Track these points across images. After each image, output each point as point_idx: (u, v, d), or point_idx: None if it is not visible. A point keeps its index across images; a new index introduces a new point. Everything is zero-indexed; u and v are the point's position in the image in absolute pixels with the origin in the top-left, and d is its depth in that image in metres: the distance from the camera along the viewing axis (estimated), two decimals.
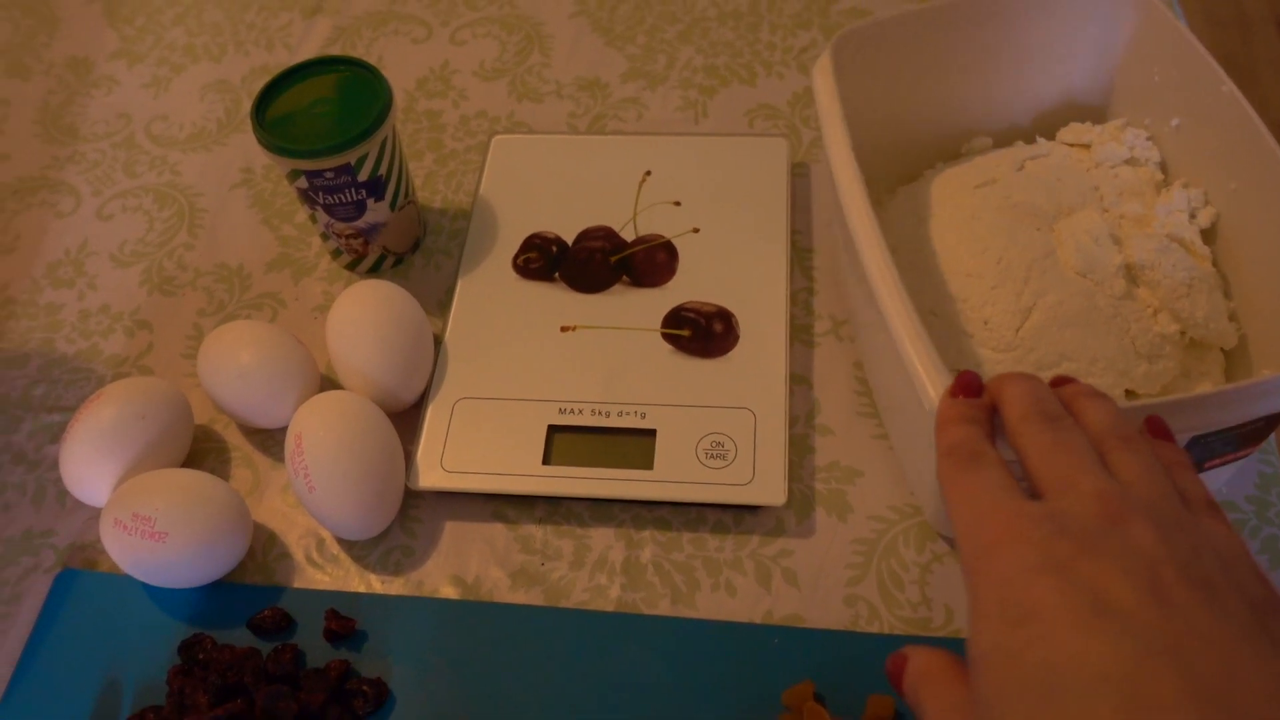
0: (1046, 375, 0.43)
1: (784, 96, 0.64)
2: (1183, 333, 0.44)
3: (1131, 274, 0.45)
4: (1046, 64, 0.51)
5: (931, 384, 0.36)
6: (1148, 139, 0.49)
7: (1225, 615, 0.25)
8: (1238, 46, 1.61)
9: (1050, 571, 0.26)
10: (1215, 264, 0.46)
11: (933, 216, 0.48)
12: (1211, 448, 0.39)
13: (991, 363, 0.43)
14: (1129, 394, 0.43)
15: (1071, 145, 0.50)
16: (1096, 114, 0.52)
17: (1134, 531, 0.27)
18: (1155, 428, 0.34)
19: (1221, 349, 0.46)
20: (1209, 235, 0.47)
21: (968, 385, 0.35)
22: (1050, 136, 0.51)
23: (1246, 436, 0.39)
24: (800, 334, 0.53)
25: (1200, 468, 0.41)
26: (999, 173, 0.48)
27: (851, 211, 0.42)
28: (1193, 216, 0.46)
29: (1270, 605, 0.26)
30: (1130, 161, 0.49)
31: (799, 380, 0.52)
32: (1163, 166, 0.49)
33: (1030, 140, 0.51)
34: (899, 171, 0.53)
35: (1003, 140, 0.52)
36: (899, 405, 0.45)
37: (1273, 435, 0.43)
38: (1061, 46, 0.50)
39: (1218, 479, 0.45)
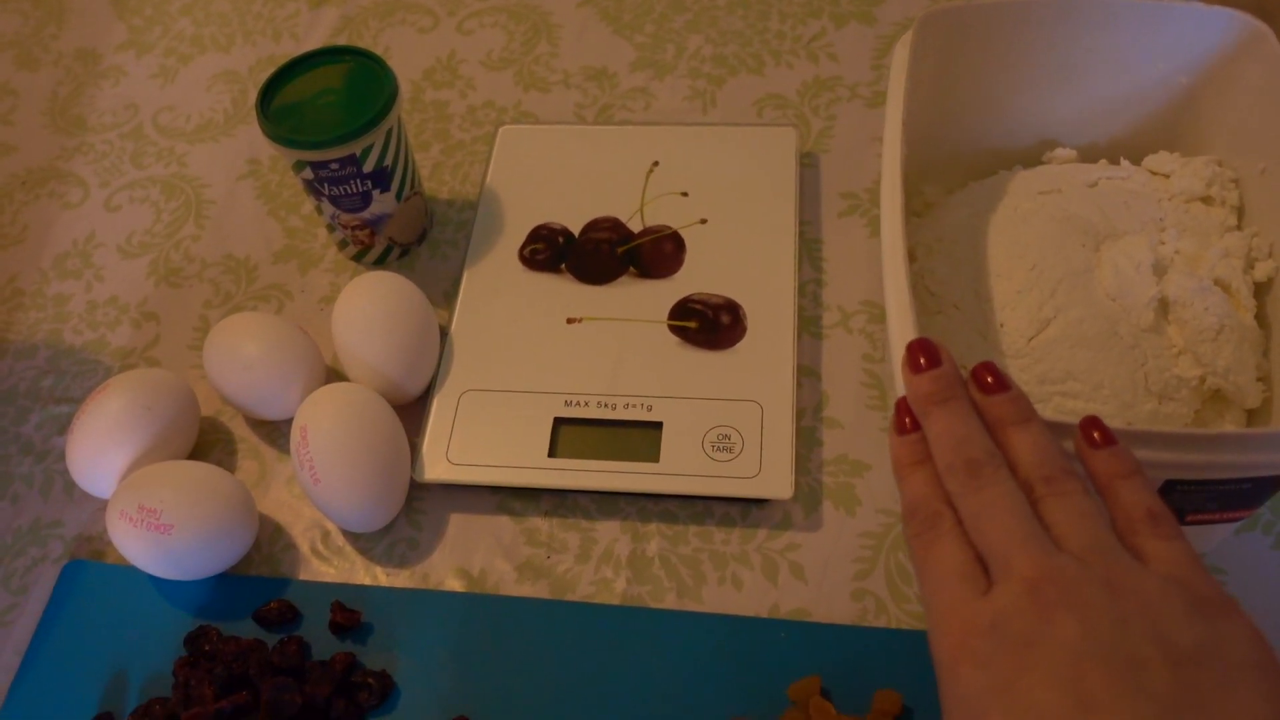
0: (1050, 389, 0.42)
1: (793, 85, 0.63)
2: (1203, 380, 0.42)
3: (1164, 309, 0.43)
4: (1143, 82, 0.48)
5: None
6: (1232, 180, 0.47)
7: (1149, 697, 0.27)
8: None
9: (997, 693, 0.28)
10: (1262, 321, 0.44)
11: (989, 213, 0.46)
12: (1192, 499, 0.38)
13: (998, 367, 0.42)
14: None
15: (1154, 173, 0.48)
16: (1188, 145, 0.49)
17: (1060, 627, 0.28)
18: (1088, 431, 0.34)
19: (1246, 408, 0.44)
20: (1263, 290, 0.44)
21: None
22: (1138, 162, 0.49)
23: (1229, 496, 0.38)
24: (809, 326, 0.53)
25: (1181, 519, 0.39)
26: (1066, 184, 0.47)
27: (885, 192, 0.41)
28: (1251, 267, 0.44)
29: (1198, 653, 0.28)
30: (1205, 199, 0.46)
31: (807, 372, 0.51)
32: (1240, 211, 0.46)
33: (1115, 162, 0.49)
34: (975, 167, 0.51)
35: (1088, 156, 0.50)
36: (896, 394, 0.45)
37: None
38: (1161, 64, 0.47)
39: (1206, 541, 0.44)
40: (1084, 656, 0.28)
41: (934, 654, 0.31)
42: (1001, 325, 0.43)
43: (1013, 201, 0.46)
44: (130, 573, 0.47)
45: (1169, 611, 0.29)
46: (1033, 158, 0.51)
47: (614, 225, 0.56)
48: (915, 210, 0.51)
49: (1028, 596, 0.29)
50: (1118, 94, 0.49)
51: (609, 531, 0.48)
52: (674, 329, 0.52)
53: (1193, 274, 0.43)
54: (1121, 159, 0.49)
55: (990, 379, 0.34)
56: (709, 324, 0.51)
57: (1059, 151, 0.50)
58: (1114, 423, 0.41)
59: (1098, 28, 0.47)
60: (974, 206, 0.47)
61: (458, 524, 0.49)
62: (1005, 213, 0.46)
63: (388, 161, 0.53)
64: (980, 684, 0.29)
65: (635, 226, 0.56)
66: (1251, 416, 0.44)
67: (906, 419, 0.35)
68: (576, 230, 0.56)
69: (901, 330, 0.37)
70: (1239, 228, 0.46)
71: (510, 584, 0.47)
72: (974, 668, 0.29)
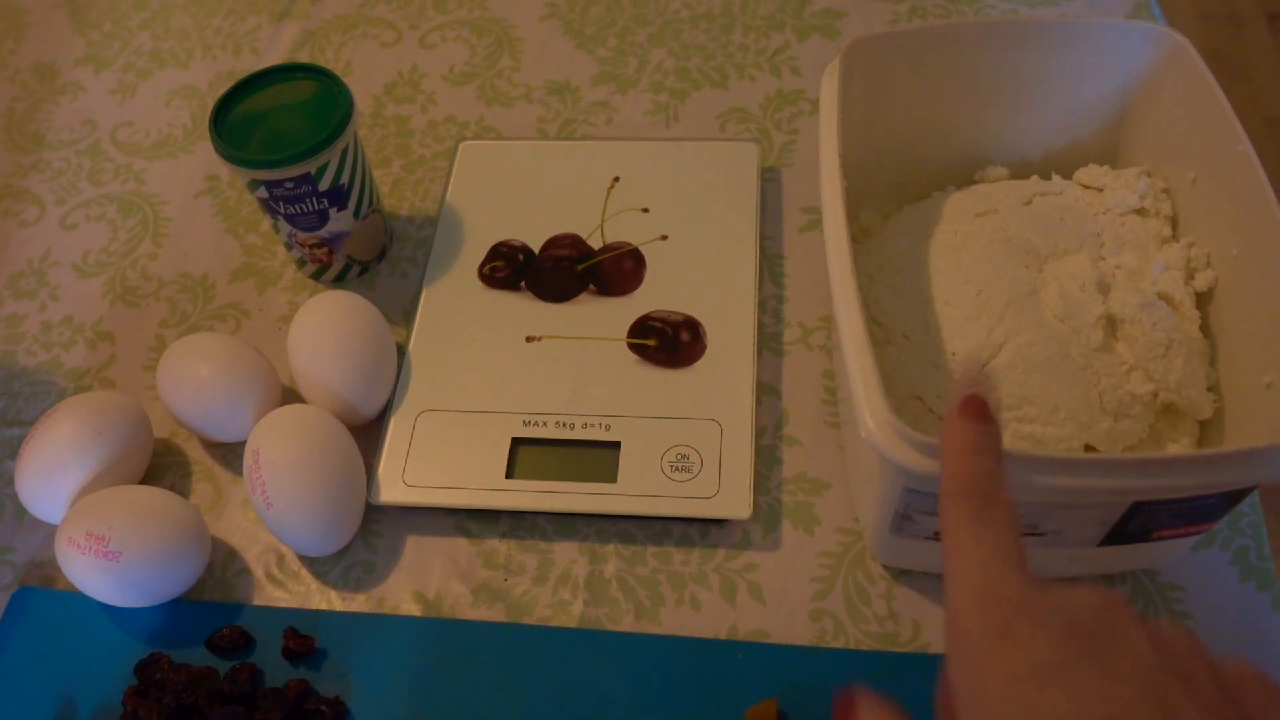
0: (1007, 416, 0.41)
1: (756, 99, 0.63)
2: (1155, 395, 0.42)
3: (1111, 327, 0.43)
4: (1069, 99, 0.48)
5: (871, 414, 0.35)
6: (1163, 190, 0.47)
7: None
8: (1228, 41, 1.60)
9: (1058, 670, 0.26)
10: (1206, 330, 0.44)
11: (928, 238, 0.46)
12: (1156, 518, 0.38)
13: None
14: (1088, 449, 0.42)
15: (1086, 187, 0.48)
16: (1118, 158, 0.50)
17: (1137, 641, 0.27)
18: None
19: (1199, 419, 0.44)
20: (1205, 299, 0.45)
21: (978, 408, 0.32)
22: (1068, 176, 0.49)
23: (1195, 511, 0.38)
24: (769, 342, 0.53)
25: (1146, 537, 0.40)
26: (1002, 204, 0.46)
27: (829, 225, 0.41)
28: (1191, 277, 0.44)
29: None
30: (1140, 211, 0.46)
31: (767, 390, 0.51)
32: (1174, 222, 0.47)
33: (1047, 176, 0.49)
34: (910, 190, 0.51)
35: (1020, 173, 0.50)
36: (851, 422, 0.45)
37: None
38: (1086, 82, 0.48)
39: (1165, 558, 0.44)
40: (1163, 671, 0.26)
41: (964, 628, 0.28)
42: (953, 354, 0.42)
43: (951, 225, 0.46)
44: (81, 599, 0.47)
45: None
46: (965, 176, 0.51)
47: (574, 242, 0.55)
48: (853, 237, 0.51)
49: (1104, 606, 0.27)
50: (1047, 111, 0.49)
51: (567, 553, 0.47)
52: (633, 347, 0.51)
53: (1136, 289, 0.43)
54: (1053, 174, 0.49)
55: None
56: (668, 342, 0.51)
57: (990, 170, 0.50)
58: (1072, 444, 0.42)
59: (1023, 48, 0.47)
60: (912, 232, 0.47)
61: (414, 546, 0.48)
62: (945, 237, 0.46)
63: (344, 179, 0.52)
64: (1038, 653, 0.26)
65: (596, 243, 0.55)
66: (1204, 426, 0.44)
67: (969, 414, 0.32)
68: (537, 247, 0.55)
69: (859, 367, 0.36)
70: (1174, 238, 0.46)
71: (466, 607, 0.46)
72: (1034, 633, 0.27)
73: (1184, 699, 0.26)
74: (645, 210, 0.56)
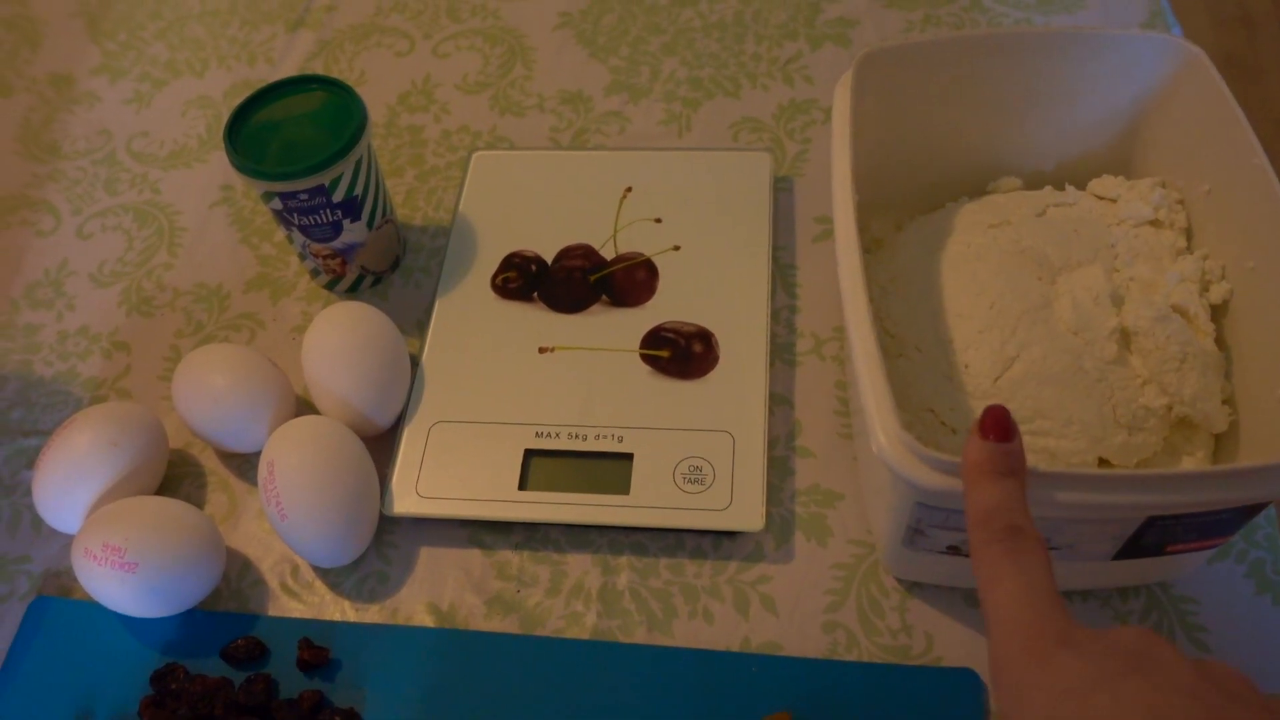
0: (1020, 429, 0.41)
1: (769, 109, 0.63)
2: (1170, 408, 0.42)
3: (1125, 339, 0.42)
4: (1083, 109, 0.48)
5: (883, 429, 0.35)
6: (1178, 202, 0.46)
7: None
8: (1242, 45, 1.59)
9: (1101, 684, 0.27)
10: (1221, 343, 0.44)
11: (940, 250, 0.46)
12: (1170, 532, 0.38)
13: (964, 409, 0.42)
14: (1102, 462, 0.42)
15: (1100, 198, 0.48)
16: (1132, 169, 0.49)
17: (1178, 668, 0.27)
18: None
19: (1214, 433, 0.44)
20: (1220, 312, 0.44)
21: (1000, 425, 0.32)
22: (1082, 186, 0.49)
23: (1209, 526, 0.38)
24: (782, 353, 0.53)
25: (1160, 551, 0.39)
26: (1016, 215, 0.46)
27: (840, 237, 0.41)
28: (1205, 290, 0.44)
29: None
30: (1154, 223, 0.46)
31: (780, 401, 0.51)
32: (1188, 233, 0.46)
33: (1060, 187, 0.49)
34: (922, 200, 0.50)
35: (1033, 183, 0.50)
36: (863, 434, 0.45)
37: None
38: (1100, 92, 0.48)
39: (1180, 571, 0.44)
40: (1205, 682, 0.27)
41: (1006, 659, 0.29)
42: (966, 366, 0.42)
43: (964, 237, 0.46)
44: (97, 609, 0.47)
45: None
46: (978, 187, 0.50)
47: (586, 252, 0.55)
48: (865, 247, 0.51)
49: (1141, 635, 0.28)
50: (1061, 122, 0.49)
51: (579, 564, 0.47)
52: (646, 358, 0.51)
53: (1150, 302, 0.43)
54: (1066, 185, 0.49)
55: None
56: (681, 353, 0.51)
57: (1004, 180, 0.50)
58: (1085, 457, 0.42)
59: (1036, 59, 0.47)
60: (925, 244, 0.47)
61: (428, 558, 0.48)
62: (958, 249, 0.46)
63: (358, 191, 0.53)
64: (1080, 671, 0.27)
65: (608, 253, 0.55)
66: (1219, 440, 0.44)
67: (991, 430, 0.33)
68: (549, 258, 0.55)
69: (871, 381, 0.36)
70: (1189, 249, 0.46)
71: (480, 619, 0.46)
72: (1074, 658, 0.28)
73: (1230, 705, 0.26)
74: (658, 220, 0.56)
